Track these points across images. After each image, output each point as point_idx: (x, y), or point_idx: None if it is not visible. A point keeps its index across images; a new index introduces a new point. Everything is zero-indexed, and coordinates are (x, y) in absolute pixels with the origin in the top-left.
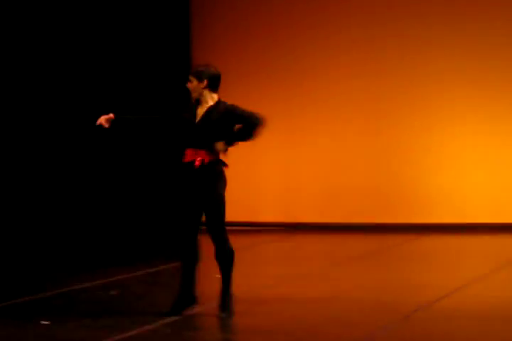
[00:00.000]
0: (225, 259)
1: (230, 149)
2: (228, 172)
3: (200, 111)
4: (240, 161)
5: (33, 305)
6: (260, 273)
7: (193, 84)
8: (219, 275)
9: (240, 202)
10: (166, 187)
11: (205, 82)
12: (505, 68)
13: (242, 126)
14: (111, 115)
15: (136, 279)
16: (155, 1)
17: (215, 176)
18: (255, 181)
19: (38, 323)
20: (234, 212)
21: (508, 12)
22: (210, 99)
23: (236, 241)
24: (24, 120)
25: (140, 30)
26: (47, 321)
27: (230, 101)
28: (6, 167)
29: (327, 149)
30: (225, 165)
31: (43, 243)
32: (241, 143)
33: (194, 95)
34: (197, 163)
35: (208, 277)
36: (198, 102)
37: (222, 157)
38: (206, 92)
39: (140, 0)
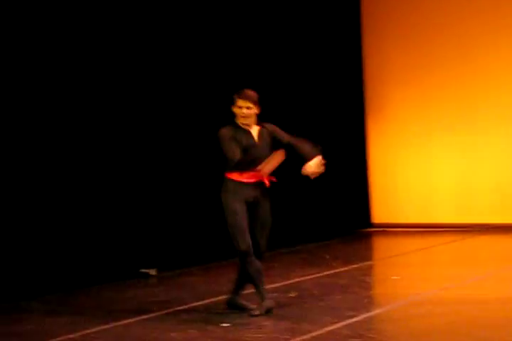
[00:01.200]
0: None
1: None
2: (403, 174)
3: (254, 133)
4: (415, 163)
5: (213, 307)
6: (437, 275)
7: (252, 111)
8: (396, 277)
9: (416, 204)
10: None
11: (259, 107)
12: None
13: (300, 145)
14: None
15: (313, 281)
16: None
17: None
18: (431, 182)
19: (219, 325)
20: (410, 213)
21: None
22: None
23: (413, 243)
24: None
25: (309, 30)
26: (227, 323)
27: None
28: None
29: (503, 150)
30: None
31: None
32: (414, 146)
33: (249, 121)
34: (268, 183)
35: (386, 279)
36: (243, 126)
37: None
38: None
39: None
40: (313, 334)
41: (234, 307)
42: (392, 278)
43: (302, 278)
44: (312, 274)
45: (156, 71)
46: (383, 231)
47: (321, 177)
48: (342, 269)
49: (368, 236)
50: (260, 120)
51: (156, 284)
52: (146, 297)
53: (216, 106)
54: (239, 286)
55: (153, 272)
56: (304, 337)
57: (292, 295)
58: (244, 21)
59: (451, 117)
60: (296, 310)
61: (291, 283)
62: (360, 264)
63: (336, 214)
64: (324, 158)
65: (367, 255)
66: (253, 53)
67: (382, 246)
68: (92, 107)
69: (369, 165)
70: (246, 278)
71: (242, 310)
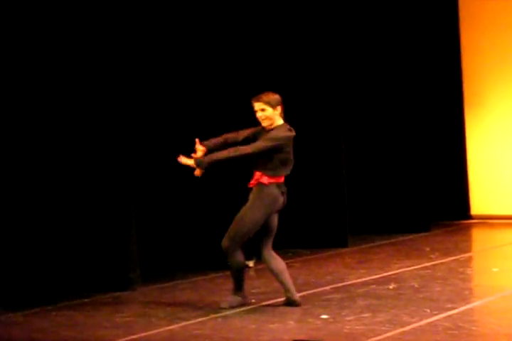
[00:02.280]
0: None
1: None
2: (502, 166)
3: None
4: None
5: (311, 299)
6: None
7: (267, 113)
8: (496, 269)
9: None
10: None
11: (279, 108)
12: None
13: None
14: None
15: (412, 273)
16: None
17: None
18: None
19: (317, 317)
20: (510, 205)
21: None
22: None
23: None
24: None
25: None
26: (326, 315)
27: None
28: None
29: None
30: None
31: None
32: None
33: (267, 123)
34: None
35: (486, 271)
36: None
37: None
38: (278, 118)
39: None
40: (413, 326)
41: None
42: (492, 270)
43: (401, 270)
44: (411, 266)
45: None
46: (482, 223)
47: (419, 169)
48: (441, 261)
49: (467, 228)
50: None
51: (254, 276)
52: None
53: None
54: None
55: (251, 264)
56: (404, 329)
57: (391, 287)
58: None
59: None
60: (396, 301)
61: (389, 275)
62: (459, 256)
63: (435, 206)
64: (423, 150)
65: (466, 247)
66: (341, 50)
67: (482, 238)
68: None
69: (468, 157)
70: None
71: None
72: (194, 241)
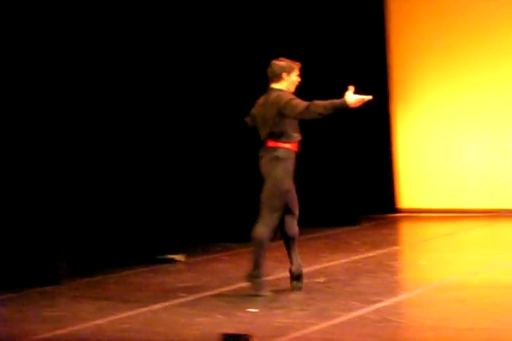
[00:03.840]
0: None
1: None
2: (431, 159)
3: None
4: (440, 148)
5: (240, 292)
6: (465, 260)
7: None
8: (424, 262)
9: (444, 189)
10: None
11: None
12: None
13: None
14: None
15: (341, 267)
16: None
17: None
18: (458, 166)
19: (246, 311)
20: (438, 198)
21: None
22: None
23: (440, 228)
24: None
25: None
26: (255, 309)
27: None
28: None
29: None
30: None
31: None
32: (442, 131)
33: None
34: None
35: (414, 264)
36: None
37: None
38: None
39: None
40: (341, 319)
41: None
42: (420, 263)
43: (330, 264)
44: (339, 259)
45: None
46: (411, 216)
47: (347, 163)
48: (369, 254)
49: (396, 221)
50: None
51: (183, 270)
52: (173, 283)
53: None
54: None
55: (180, 258)
56: (332, 322)
57: (320, 280)
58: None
59: (482, 100)
60: (324, 295)
61: (318, 269)
62: (388, 249)
63: (363, 200)
64: (349, 143)
65: (394, 240)
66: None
67: (410, 232)
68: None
69: (395, 150)
70: None
71: None
72: (122, 235)
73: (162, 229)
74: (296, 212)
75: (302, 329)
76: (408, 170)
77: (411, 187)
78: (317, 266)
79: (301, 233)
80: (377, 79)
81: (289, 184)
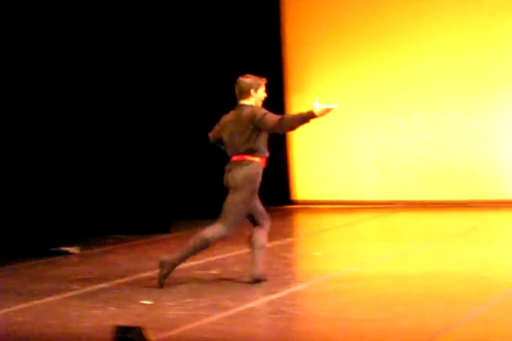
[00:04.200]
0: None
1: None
2: (324, 152)
3: None
4: (334, 140)
5: (134, 285)
6: (358, 251)
7: None
8: (318, 253)
9: (338, 181)
10: None
11: None
12: None
13: None
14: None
15: (235, 258)
16: None
17: None
18: (351, 160)
19: (139, 303)
20: (332, 190)
21: None
22: None
23: (334, 220)
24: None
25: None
26: (148, 301)
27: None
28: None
29: (421, 127)
30: None
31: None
32: (335, 123)
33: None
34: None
35: (308, 255)
36: None
37: None
38: None
39: None
40: (235, 310)
41: None
42: (314, 254)
43: (224, 255)
44: (234, 251)
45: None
46: (306, 208)
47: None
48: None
49: (291, 213)
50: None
51: (77, 262)
52: (67, 275)
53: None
54: None
55: (74, 250)
56: (226, 313)
57: (214, 272)
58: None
59: (372, 94)
60: (218, 286)
61: (213, 260)
62: (282, 241)
63: (259, 193)
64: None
65: (289, 232)
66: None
67: (305, 223)
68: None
69: (289, 143)
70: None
71: None
72: (15, 227)
73: (56, 221)
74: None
75: (196, 321)
76: (303, 162)
77: (306, 179)
78: (212, 258)
79: (193, 225)
80: (272, 72)
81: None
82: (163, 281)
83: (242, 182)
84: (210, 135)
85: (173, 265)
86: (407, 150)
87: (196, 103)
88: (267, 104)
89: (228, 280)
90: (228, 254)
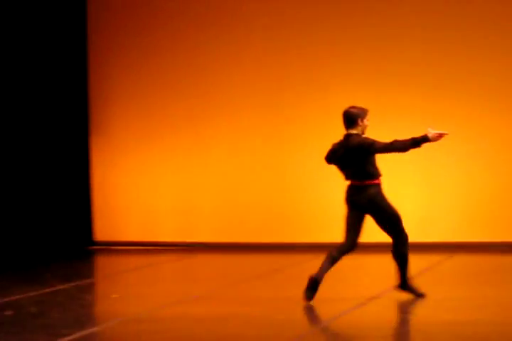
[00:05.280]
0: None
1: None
2: (125, 192)
3: None
4: (136, 182)
5: None
6: (157, 293)
7: None
8: (116, 295)
9: (137, 222)
10: None
11: None
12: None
13: None
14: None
15: (32, 299)
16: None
17: None
18: (153, 201)
19: None
20: (132, 231)
21: None
22: None
23: (134, 261)
24: None
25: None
26: None
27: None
28: None
29: (223, 166)
30: None
31: None
32: (136, 164)
33: None
34: None
35: (106, 297)
36: None
37: None
38: None
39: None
40: None
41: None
42: (112, 296)
43: (20, 296)
44: (31, 292)
45: None
46: (106, 249)
47: (45, 195)
48: (61, 287)
49: (91, 254)
50: None
51: None
52: None
53: None
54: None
55: None
56: None
57: (8, 313)
58: None
59: (172, 137)
60: (12, 328)
61: (7, 301)
62: (80, 282)
63: (59, 233)
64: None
65: (88, 273)
66: None
67: (104, 264)
68: None
69: (92, 184)
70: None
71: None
72: None
73: None
74: None
75: None
76: (104, 203)
77: (107, 220)
78: (6, 299)
79: None
80: (77, 114)
81: None
82: None
83: (377, 203)
84: (326, 159)
85: None
86: (207, 190)
87: None
88: (70, 146)
89: (23, 321)
90: (24, 295)
